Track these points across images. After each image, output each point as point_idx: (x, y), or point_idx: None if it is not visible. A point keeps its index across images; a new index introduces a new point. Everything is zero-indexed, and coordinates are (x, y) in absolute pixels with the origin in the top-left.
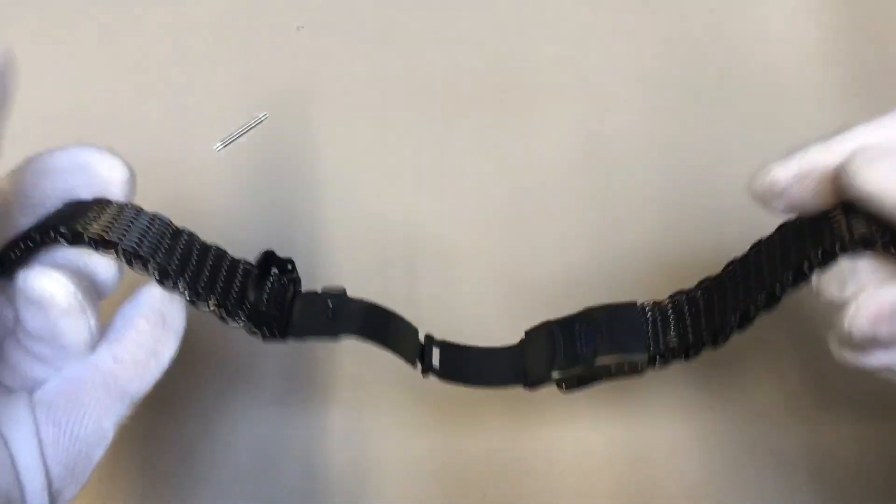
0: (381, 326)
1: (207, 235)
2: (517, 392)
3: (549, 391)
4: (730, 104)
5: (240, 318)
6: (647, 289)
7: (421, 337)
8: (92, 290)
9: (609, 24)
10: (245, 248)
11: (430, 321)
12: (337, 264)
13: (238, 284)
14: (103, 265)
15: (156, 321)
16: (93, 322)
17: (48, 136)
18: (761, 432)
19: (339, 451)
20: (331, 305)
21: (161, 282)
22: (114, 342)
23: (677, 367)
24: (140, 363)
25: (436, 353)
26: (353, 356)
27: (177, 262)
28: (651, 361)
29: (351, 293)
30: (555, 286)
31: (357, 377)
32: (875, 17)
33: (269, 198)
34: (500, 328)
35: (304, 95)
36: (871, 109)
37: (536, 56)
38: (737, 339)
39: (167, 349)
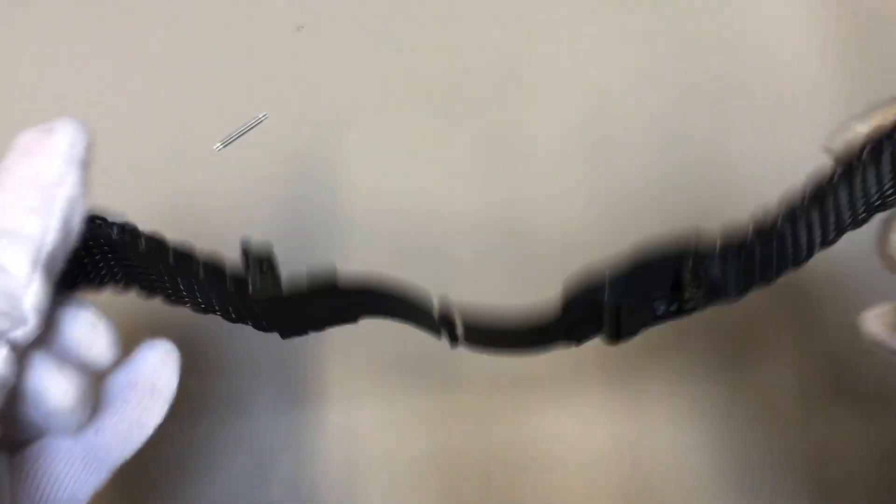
0: (388, 299)
1: (207, 234)
2: (519, 387)
3: (550, 387)
4: (730, 103)
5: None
6: None
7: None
8: (91, 379)
9: (609, 24)
10: None
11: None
12: (337, 262)
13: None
14: (103, 351)
15: (145, 390)
16: (88, 414)
17: None
18: (763, 431)
19: (336, 447)
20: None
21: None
22: (99, 412)
23: (680, 366)
24: (122, 434)
25: (457, 316)
26: (347, 351)
27: (183, 286)
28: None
29: None
30: (556, 287)
31: (352, 372)
32: (874, 18)
33: (268, 197)
34: None
35: (304, 95)
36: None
37: (536, 56)
38: (740, 338)
39: (153, 419)
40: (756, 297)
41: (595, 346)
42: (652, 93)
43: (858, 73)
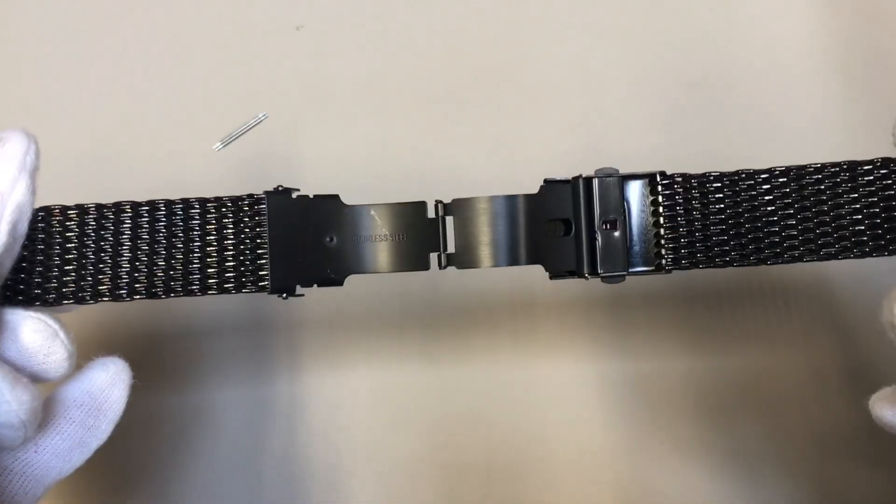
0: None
1: None
2: (519, 388)
3: (550, 387)
4: (729, 104)
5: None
6: (650, 290)
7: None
8: (39, 396)
9: (609, 24)
10: None
11: (435, 338)
12: None
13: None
14: (60, 362)
15: (91, 410)
16: (35, 428)
17: (47, 134)
18: (765, 430)
19: (320, 422)
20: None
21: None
22: (42, 429)
23: (682, 367)
24: (62, 454)
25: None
26: (330, 328)
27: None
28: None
29: (353, 301)
30: (556, 292)
31: (348, 374)
32: (873, 17)
33: None
34: (503, 342)
35: (304, 95)
36: (870, 109)
37: (536, 55)
38: (743, 339)
39: (96, 439)
40: (769, 304)
41: (596, 348)
42: (651, 93)
43: (859, 74)
